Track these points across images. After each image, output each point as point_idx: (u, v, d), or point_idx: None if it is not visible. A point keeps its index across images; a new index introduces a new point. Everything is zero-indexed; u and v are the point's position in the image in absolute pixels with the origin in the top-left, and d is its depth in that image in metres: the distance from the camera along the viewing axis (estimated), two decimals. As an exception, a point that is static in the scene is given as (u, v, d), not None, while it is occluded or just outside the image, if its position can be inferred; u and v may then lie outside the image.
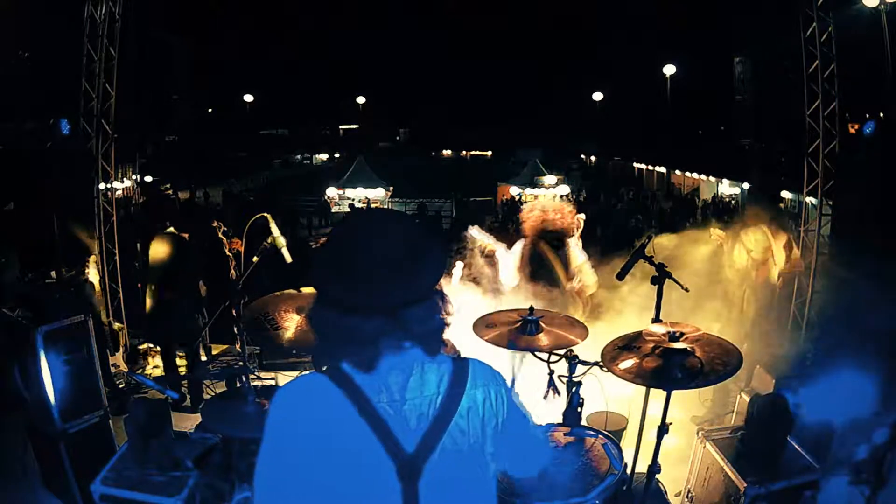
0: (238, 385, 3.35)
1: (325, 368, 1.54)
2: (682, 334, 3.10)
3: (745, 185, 22.35)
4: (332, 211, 26.32)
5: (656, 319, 3.43)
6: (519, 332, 3.49)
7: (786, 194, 18.11)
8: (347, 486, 1.46)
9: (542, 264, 4.90)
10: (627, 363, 3.10)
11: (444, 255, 1.56)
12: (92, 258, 6.78)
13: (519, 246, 5.02)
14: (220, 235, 6.43)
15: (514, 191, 28.90)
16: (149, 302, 6.05)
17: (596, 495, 2.72)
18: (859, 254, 6.30)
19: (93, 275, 6.71)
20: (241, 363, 3.53)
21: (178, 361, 6.47)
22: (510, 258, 5.01)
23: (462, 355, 1.70)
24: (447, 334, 1.58)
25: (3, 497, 3.99)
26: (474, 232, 5.09)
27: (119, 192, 18.96)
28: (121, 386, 6.24)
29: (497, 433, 1.58)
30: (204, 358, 6.68)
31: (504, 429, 1.60)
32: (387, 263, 1.45)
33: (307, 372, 1.64)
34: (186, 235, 5.96)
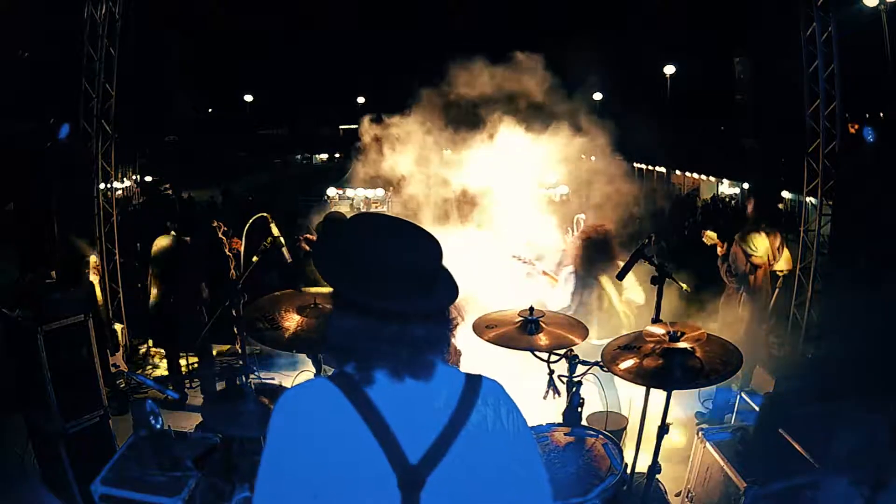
0: (238, 385, 3.35)
1: (331, 373, 1.54)
2: (682, 334, 3.10)
3: (745, 185, 22.34)
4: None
5: (656, 319, 3.43)
6: (519, 332, 3.48)
7: (786, 194, 18.10)
8: (348, 493, 1.45)
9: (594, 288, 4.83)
10: (627, 363, 3.11)
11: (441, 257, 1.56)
12: (92, 258, 6.78)
13: (570, 274, 4.93)
14: (221, 235, 6.44)
15: (513, 191, 28.82)
16: (153, 292, 6.09)
17: (596, 495, 2.72)
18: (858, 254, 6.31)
19: (93, 275, 6.71)
20: (241, 363, 3.53)
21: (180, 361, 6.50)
22: (561, 285, 4.95)
23: (463, 357, 1.71)
24: (454, 342, 1.58)
25: (3, 497, 3.99)
26: (515, 259, 5.20)
27: (119, 192, 18.94)
28: (121, 386, 6.24)
29: (502, 453, 1.55)
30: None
31: (509, 449, 1.56)
32: (420, 272, 1.48)
33: (312, 376, 1.64)
34: (188, 239, 6.03)
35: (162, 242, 6.05)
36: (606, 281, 4.81)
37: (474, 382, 1.57)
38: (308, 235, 6.13)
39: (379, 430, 1.45)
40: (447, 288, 1.54)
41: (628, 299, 4.82)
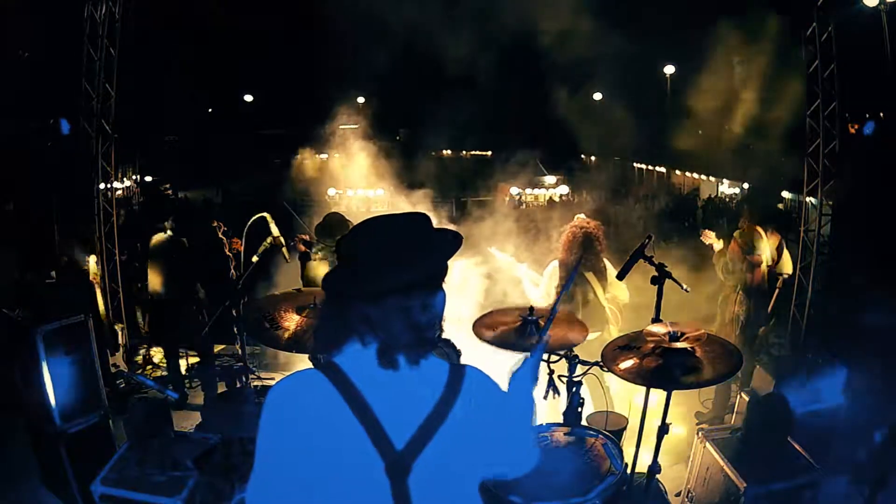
0: (238, 385, 3.35)
1: (320, 364, 1.57)
2: (682, 334, 3.10)
3: (745, 185, 22.35)
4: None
5: (656, 319, 3.43)
6: (519, 332, 3.48)
7: (786, 194, 18.10)
8: (338, 480, 1.48)
9: (579, 282, 4.82)
10: (627, 363, 3.11)
11: (444, 251, 1.57)
12: (92, 258, 6.78)
13: (555, 267, 4.96)
14: (221, 235, 6.44)
15: (514, 191, 28.88)
16: (150, 283, 6.10)
17: (596, 495, 2.72)
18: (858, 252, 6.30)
19: (93, 275, 6.71)
20: (240, 363, 3.53)
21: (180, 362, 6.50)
22: (546, 279, 4.99)
23: (463, 357, 1.75)
24: (446, 335, 1.60)
25: (3, 497, 3.99)
26: (495, 251, 5.24)
27: (119, 192, 18.93)
28: (121, 386, 6.24)
29: (487, 438, 1.60)
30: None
31: (495, 433, 1.62)
32: (385, 251, 1.49)
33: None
34: (185, 240, 6.03)
35: (158, 237, 6.06)
36: (591, 276, 4.84)
37: (458, 371, 1.61)
38: (303, 236, 6.13)
39: (365, 418, 1.47)
40: (427, 264, 1.54)
41: (613, 296, 4.85)
